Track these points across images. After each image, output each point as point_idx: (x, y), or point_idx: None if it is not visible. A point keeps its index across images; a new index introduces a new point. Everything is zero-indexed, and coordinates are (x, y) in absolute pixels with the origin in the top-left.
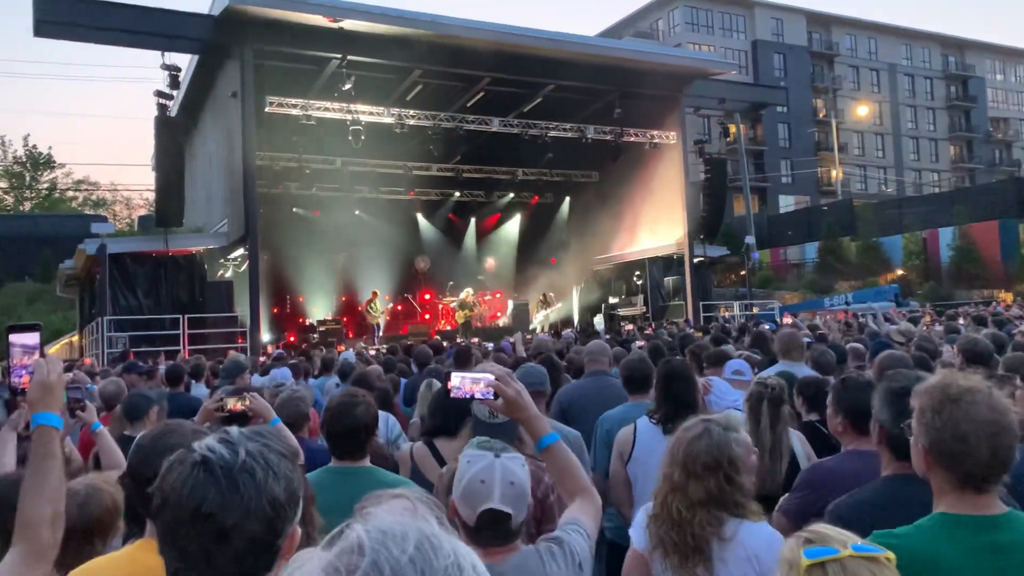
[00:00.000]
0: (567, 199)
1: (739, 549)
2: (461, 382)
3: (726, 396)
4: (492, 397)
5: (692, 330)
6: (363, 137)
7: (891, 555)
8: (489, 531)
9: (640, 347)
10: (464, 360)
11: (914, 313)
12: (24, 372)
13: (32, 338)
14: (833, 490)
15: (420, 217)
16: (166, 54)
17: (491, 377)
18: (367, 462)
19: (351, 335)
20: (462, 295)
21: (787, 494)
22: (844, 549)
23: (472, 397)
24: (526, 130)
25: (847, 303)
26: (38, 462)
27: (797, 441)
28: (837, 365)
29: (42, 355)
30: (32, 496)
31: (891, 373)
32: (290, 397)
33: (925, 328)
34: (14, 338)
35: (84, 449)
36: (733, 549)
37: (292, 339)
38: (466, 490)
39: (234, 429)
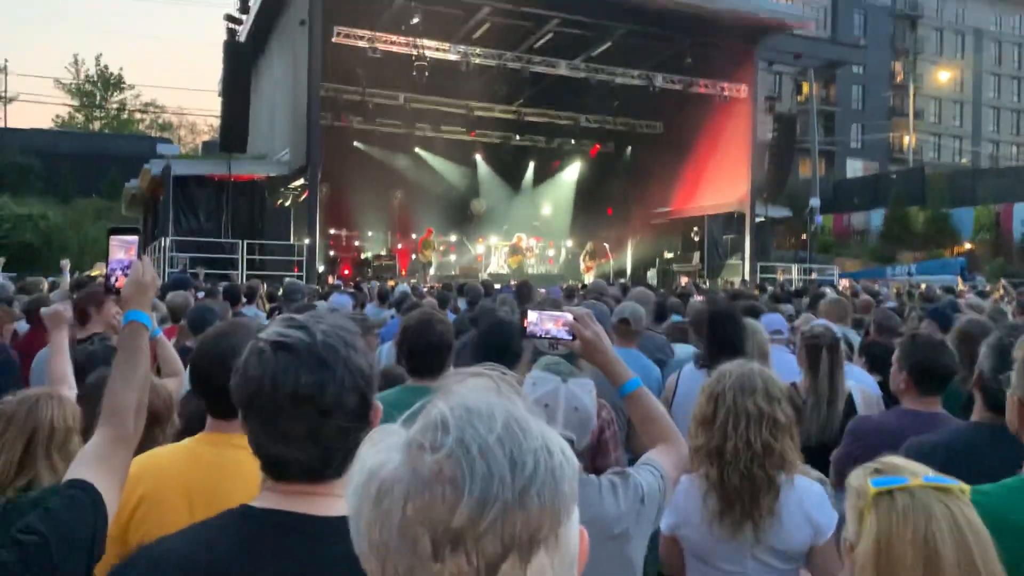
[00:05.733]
0: (629, 149)
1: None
2: (539, 319)
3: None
4: (570, 338)
5: (746, 288)
6: (427, 73)
7: (965, 487)
8: None
9: (700, 300)
10: (526, 294)
11: (981, 288)
12: (118, 269)
13: (131, 239)
14: (875, 445)
15: (479, 159)
16: None
17: (569, 316)
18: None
19: (404, 272)
20: (514, 239)
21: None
22: (914, 478)
23: (548, 335)
24: (593, 75)
25: (910, 274)
26: (128, 354)
27: (857, 391)
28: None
29: (139, 258)
30: (121, 385)
31: (1009, 326)
32: (352, 316)
33: (994, 302)
34: (114, 239)
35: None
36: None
37: (347, 272)
38: None
39: (296, 316)
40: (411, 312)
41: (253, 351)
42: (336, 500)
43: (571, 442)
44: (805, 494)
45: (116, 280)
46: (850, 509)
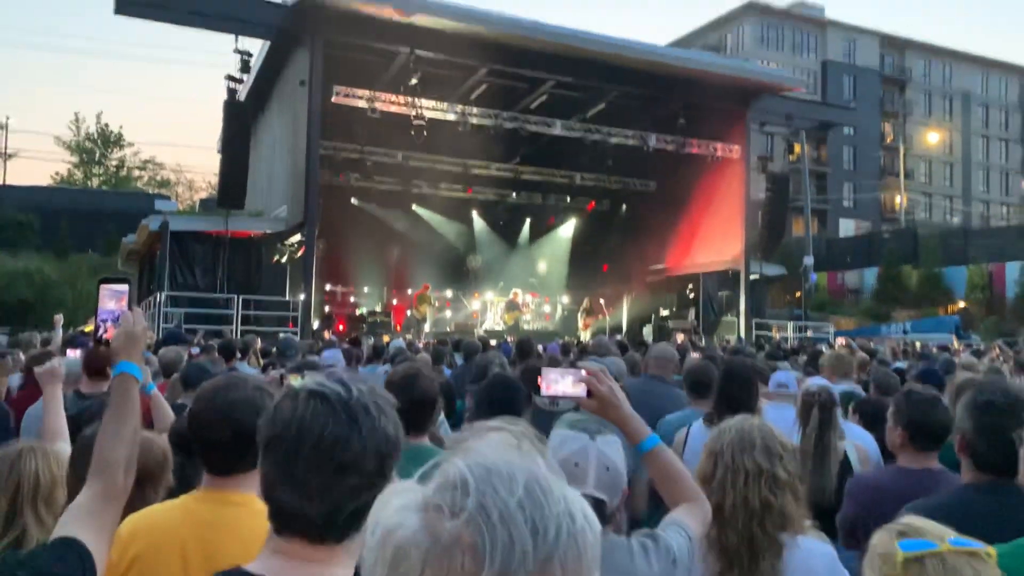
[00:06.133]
0: (624, 207)
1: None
2: (552, 376)
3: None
4: (585, 394)
5: (744, 345)
6: (425, 132)
7: (991, 550)
8: None
9: (697, 358)
10: (527, 351)
11: (976, 347)
12: (109, 319)
13: (121, 288)
14: (874, 503)
15: (475, 215)
16: (239, 39)
17: (583, 372)
18: (426, 440)
19: (399, 328)
20: (510, 295)
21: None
22: (941, 543)
23: (562, 393)
24: (588, 135)
25: (905, 332)
26: (118, 407)
27: (852, 449)
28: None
29: (130, 308)
30: (111, 439)
31: (980, 383)
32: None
33: (991, 361)
34: (105, 288)
35: None
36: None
37: (341, 328)
38: None
39: (340, 374)
40: (396, 367)
41: (288, 395)
42: (335, 571)
43: (602, 503)
44: (812, 556)
45: (105, 331)
46: (873, 574)
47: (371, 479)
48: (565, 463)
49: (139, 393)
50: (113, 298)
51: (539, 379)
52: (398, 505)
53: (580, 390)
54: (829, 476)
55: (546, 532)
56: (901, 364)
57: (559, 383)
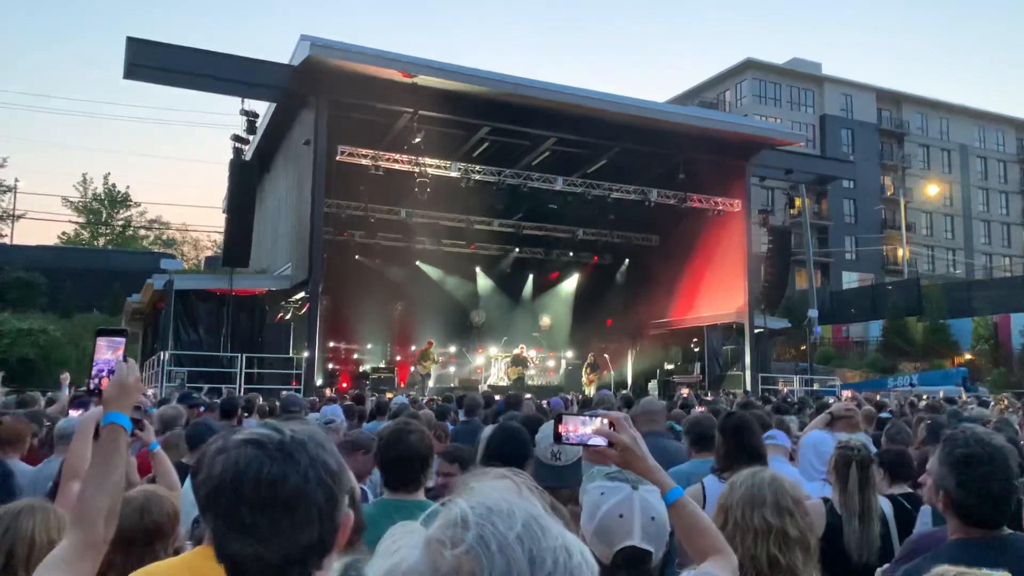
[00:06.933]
0: (626, 261)
1: None
2: (573, 423)
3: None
4: (605, 443)
5: (753, 398)
6: (428, 189)
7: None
8: (626, 570)
9: (701, 411)
10: (514, 407)
11: (982, 398)
12: (105, 370)
13: (118, 340)
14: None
15: (479, 271)
16: (246, 100)
17: (605, 421)
18: (421, 495)
19: (403, 384)
20: (515, 351)
21: (886, 564)
22: None
23: (582, 441)
24: (589, 190)
25: (912, 384)
26: (103, 458)
27: (887, 504)
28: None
29: (124, 360)
30: (94, 489)
31: (951, 436)
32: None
33: (1000, 412)
34: (101, 340)
35: (140, 471)
36: None
37: (345, 384)
38: (601, 525)
39: (271, 421)
40: (386, 424)
41: (219, 447)
42: None
43: (649, 554)
44: None
45: (100, 381)
46: None
47: (321, 513)
48: (609, 515)
49: (147, 452)
50: (110, 348)
51: (559, 425)
52: (402, 543)
53: (601, 439)
54: (875, 535)
55: (543, 562)
56: (886, 414)
57: (580, 429)
